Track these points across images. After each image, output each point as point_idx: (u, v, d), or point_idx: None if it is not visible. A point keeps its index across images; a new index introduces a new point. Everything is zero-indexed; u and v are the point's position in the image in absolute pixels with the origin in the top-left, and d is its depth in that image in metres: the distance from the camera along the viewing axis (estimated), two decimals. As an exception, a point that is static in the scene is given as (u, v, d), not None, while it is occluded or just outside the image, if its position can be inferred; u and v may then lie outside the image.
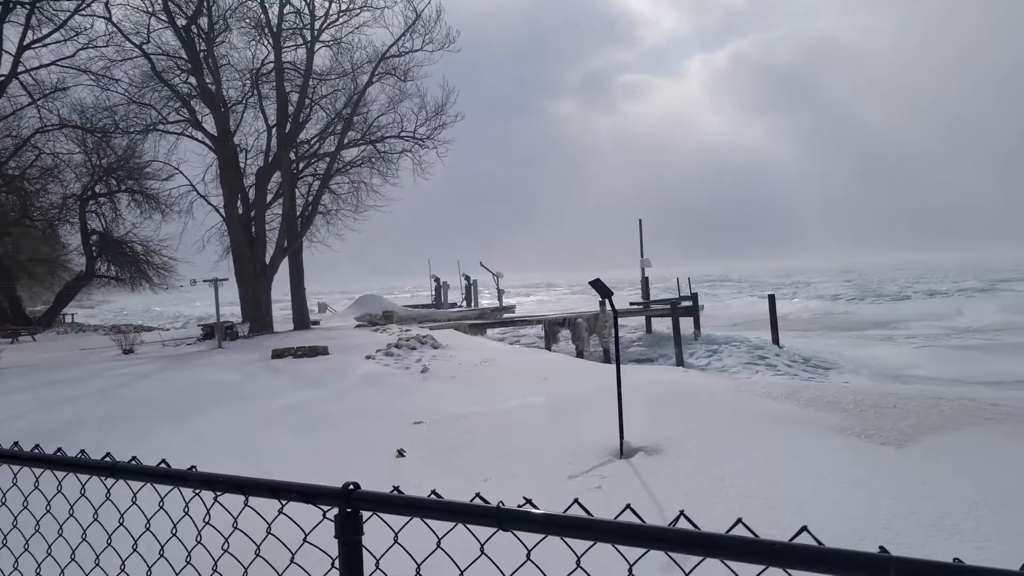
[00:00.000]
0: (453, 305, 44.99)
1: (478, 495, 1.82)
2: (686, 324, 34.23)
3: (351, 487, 1.79)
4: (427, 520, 1.74)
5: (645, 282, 38.75)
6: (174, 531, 2.41)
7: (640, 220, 39.03)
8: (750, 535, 1.47)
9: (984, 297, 62.60)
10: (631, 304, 36.83)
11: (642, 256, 37.84)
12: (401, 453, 9.01)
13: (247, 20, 29.49)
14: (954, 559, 1.35)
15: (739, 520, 1.58)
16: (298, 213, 29.79)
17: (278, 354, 19.14)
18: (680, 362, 29.70)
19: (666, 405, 10.44)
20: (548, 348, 30.66)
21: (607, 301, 8.85)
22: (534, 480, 7.49)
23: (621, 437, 8.25)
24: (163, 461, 2.30)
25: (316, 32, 28.89)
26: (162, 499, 2.46)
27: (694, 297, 36.06)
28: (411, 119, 29.78)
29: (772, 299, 34.48)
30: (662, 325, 37.10)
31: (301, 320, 29.51)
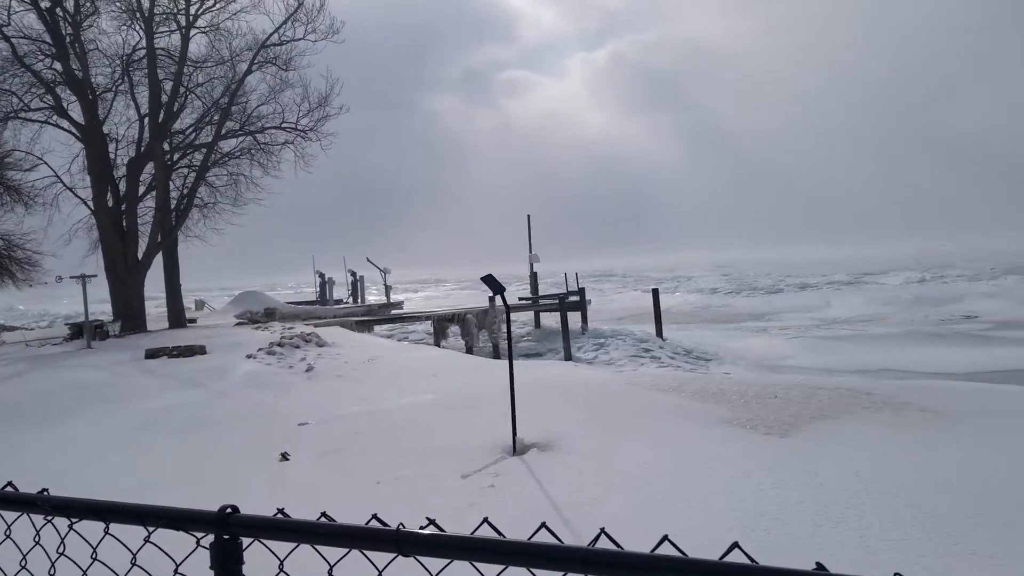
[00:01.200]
0: (339, 302, 44.03)
1: (375, 516, 1.63)
2: (574, 318, 34.64)
3: (228, 510, 1.57)
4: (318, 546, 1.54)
5: (534, 277, 39.01)
6: (23, 563, 2.12)
7: (528, 216, 39.27)
8: (678, 554, 1.35)
9: (851, 290, 66.12)
10: (520, 299, 37.01)
11: (531, 251, 38.05)
12: (285, 456, 8.65)
13: (117, 3, 27.90)
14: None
15: (664, 537, 1.46)
16: (173, 206, 28.45)
17: (152, 354, 18.18)
18: (569, 356, 30.01)
19: (557, 400, 10.44)
20: (437, 344, 30.43)
21: (499, 297, 8.74)
22: (426, 480, 7.30)
23: (514, 434, 8.17)
24: (9, 484, 2.01)
25: (192, 17, 27.61)
26: (9, 527, 2.17)
27: (581, 292, 36.55)
28: (293, 110, 28.89)
29: (656, 293, 35.32)
30: (551, 320, 37.45)
31: (177, 318, 28.22)
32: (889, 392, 9.55)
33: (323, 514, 1.58)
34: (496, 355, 29.40)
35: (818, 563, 1.28)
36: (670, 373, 15.82)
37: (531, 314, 38.70)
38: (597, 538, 1.48)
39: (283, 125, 29.00)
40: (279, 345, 18.47)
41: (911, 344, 30.39)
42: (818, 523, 5.55)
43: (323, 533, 1.51)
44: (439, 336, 32.07)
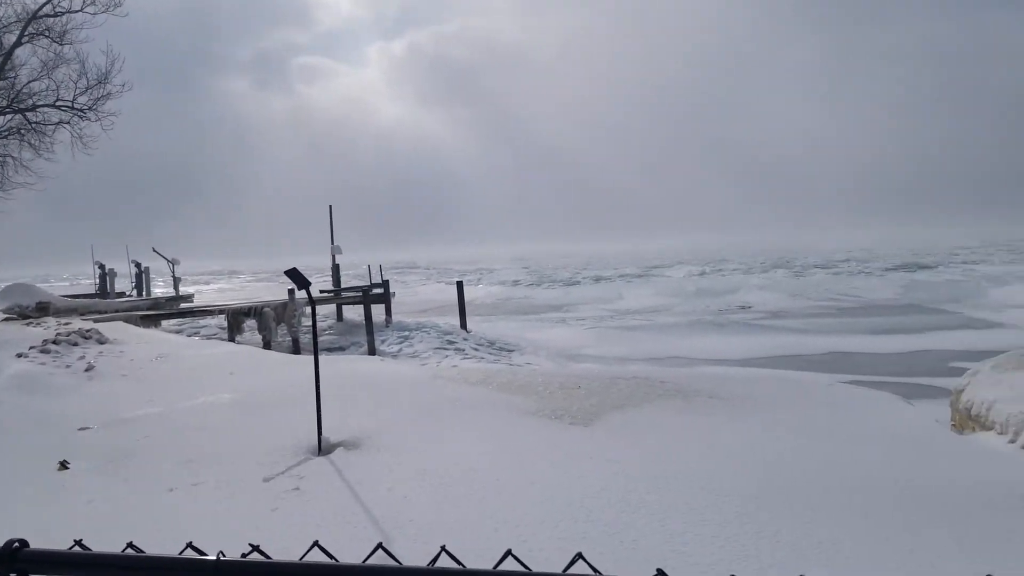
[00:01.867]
0: (121, 295, 40.89)
1: (190, 545, 1.45)
2: (378, 311, 34.25)
3: (16, 544, 1.34)
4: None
5: (336, 269, 38.17)
6: None
7: (330, 206, 38.35)
8: (521, 568, 1.30)
9: (640, 282, 69.98)
10: (321, 292, 36.07)
11: (332, 243, 37.19)
12: (64, 465, 7.87)
13: None
14: None
15: (508, 552, 1.40)
16: (-77, 189, 25.26)
17: (-103, 356, 16.03)
18: (373, 350, 29.63)
19: (363, 396, 10.23)
20: (232, 340, 29.01)
21: (304, 289, 8.41)
22: (225, 486, 6.89)
23: (319, 433, 7.90)
24: None
25: (-55, -22, 24.56)
26: None
27: (385, 284, 36.18)
28: (69, 87, 26.44)
29: (460, 285, 35.62)
30: (353, 313, 36.81)
31: (-70, 314, 25.12)
32: (680, 380, 10.14)
33: (130, 544, 1.39)
34: (296, 350, 28.48)
35: (659, 569, 1.27)
36: (476, 366, 16.00)
37: (333, 307, 37.86)
38: (437, 557, 1.40)
39: (58, 103, 26.48)
40: (54, 343, 16.85)
41: (695, 333, 32.60)
42: (620, 508, 5.76)
43: (133, 567, 1.32)
44: (234, 331, 30.61)
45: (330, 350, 29.48)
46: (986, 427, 8.20)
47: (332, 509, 6.07)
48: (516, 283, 76.94)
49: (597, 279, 76.12)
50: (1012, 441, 7.53)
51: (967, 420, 8.79)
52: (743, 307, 43.26)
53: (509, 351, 28.64)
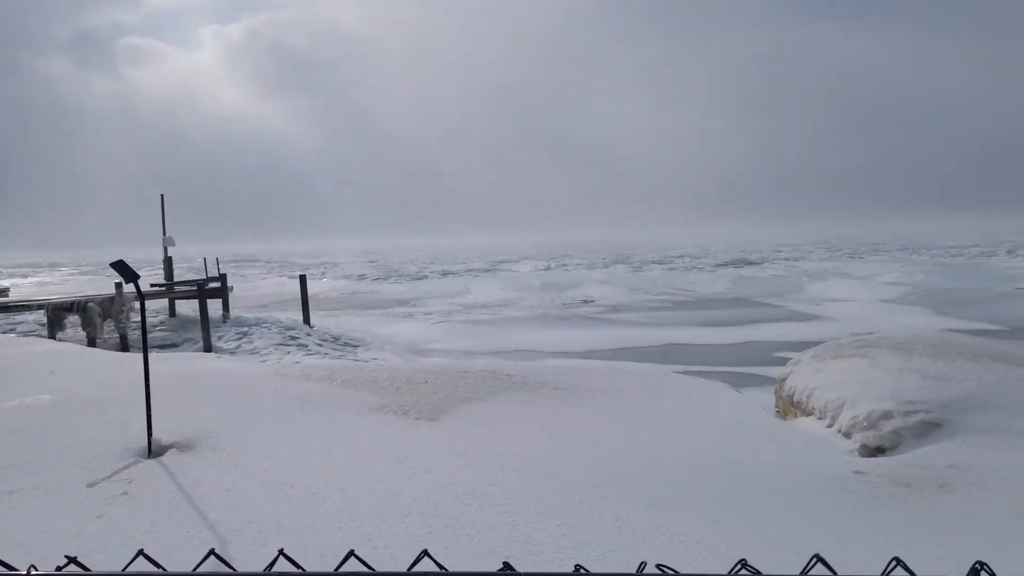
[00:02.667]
0: (-76, 289, 37.20)
1: (1, 562, 1.30)
2: (214, 306, 32.78)
3: None
4: None
5: (168, 262, 36.22)
6: None
7: (162, 196, 36.35)
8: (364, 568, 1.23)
9: (488, 276, 70.63)
10: (152, 286, 34.13)
11: (164, 234, 35.27)
12: None
13: None
14: (576, 566, 1.27)
15: (351, 552, 1.33)
16: None
17: None
18: (208, 347, 28.34)
19: (199, 395, 9.74)
20: (52, 337, 26.98)
21: (132, 283, 7.89)
22: (45, 493, 6.36)
23: (149, 434, 7.44)
24: None
25: None
26: None
27: (223, 278, 34.67)
28: None
29: (303, 279, 34.66)
30: (187, 308, 35.08)
31: None
32: (527, 373, 10.28)
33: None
34: (124, 347, 26.86)
35: (505, 563, 1.24)
36: (319, 362, 15.59)
37: (165, 302, 35.94)
38: (206, 557, 1.31)
39: None
40: None
41: (540, 326, 33.21)
42: (467, 501, 5.76)
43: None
44: (55, 327, 28.47)
45: (162, 347, 28.00)
46: (807, 413, 8.80)
47: (164, 513, 5.73)
48: (362, 277, 75.77)
49: (444, 273, 76.16)
50: (829, 426, 8.11)
51: (790, 406, 9.39)
52: (586, 301, 44.50)
53: (355, 346, 28.17)
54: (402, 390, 9.48)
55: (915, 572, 1.22)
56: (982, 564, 1.18)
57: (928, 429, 7.22)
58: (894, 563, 1.26)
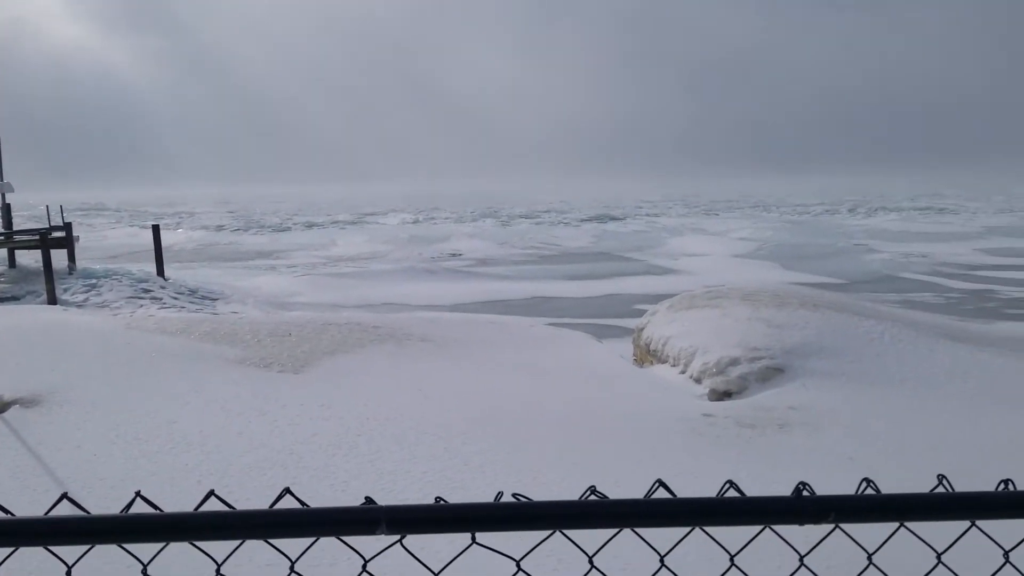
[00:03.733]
0: None
1: None
2: (59, 257, 30.79)
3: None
4: None
5: (7, 209, 33.65)
6: None
7: (-3, 137, 33.60)
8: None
9: (354, 229, 69.38)
10: (-12, 235, 31.68)
11: (1, 179, 32.70)
12: None
13: None
14: (436, 498, 1.32)
15: (211, 492, 1.34)
16: None
17: None
18: (53, 299, 26.65)
19: (44, 349, 9.19)
20: None
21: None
22: None
23: (-12, 391, 7.00)
24: None
25: None
26: None
27: (67, 227, 32.54)
28: None
29: (156, 229, 32.99)
30: (29, 259, 32.80)
31: None
32: (394, 325, 10.26)
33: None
34: (-43, 301, 24.92)
35: (367, 497, 1.28)
36: (175, 315, 15.01)
37: (4, 252, 33.46)
38: (132, 503, 1.30)
39: None
40: None
41: (408, 280, 33.03)
42: (331, 452, 5.76)
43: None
44: None
45: (1, 300, 26.14)
46: (662, 360, 9.22)
47: (8, 472, 5.44)
48: (220, 228, 72.69)
49: (309, 225, 74.15)
50: (683, 372, 8.54)
51: (647, 355, 9.81)
52: (454, 255, 44.51)
53: (213, 299, 27.15)
54: (264, 343, 9.28)
55: (746, 493, 1.33)
56: (804, 484, 1.31)
57: (771, 374, 7.73)
58: (727, 485, 1.37)
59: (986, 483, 1.42)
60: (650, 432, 6.61)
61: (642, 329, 10.36)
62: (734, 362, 7.97)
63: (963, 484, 1.37)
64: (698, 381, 8.12)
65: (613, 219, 73.93)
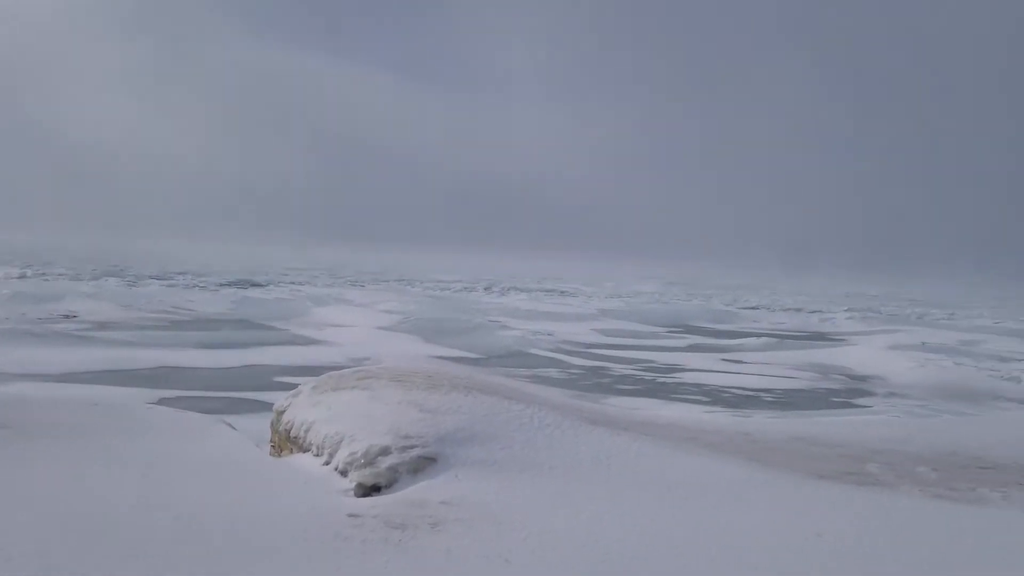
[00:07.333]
0: None
1: None
2: None
3: None
4: None
5: None
6: None
7: None
8: None
9: (-63, 281, 58.62)
10: None
11: None
12: None
13: None
14: None
15: None
16: None
17: None
18: None
19: None
20: None
21: None
22: None
23: None
24: None
25: None
26: None
27: None
28: None
29: None
30: None
31: None
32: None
33: None
34: None
35: None
36: None
37: None
38: None
39: None
40: None
41: (7, 343, 28.22)
42: None
43: None
44: None
45: None
46: (304, 449, 8.29)
47: None
48: None
49: None
50: (327, 463, 7.68)
51: (287, 442, 8.81)
52: (68, 316, 39.31)
53: None
54: None
55: None
56: None
57: (424, 464, 7.18)
58: None
59: None
60: (285, 541, 5.68)
61: (282, 412, 9.34)
62: (384, 451, 7.31)
63: None
64: (344, 474, 7.31)
65: (255, 285, 71.05)
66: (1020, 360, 38.48)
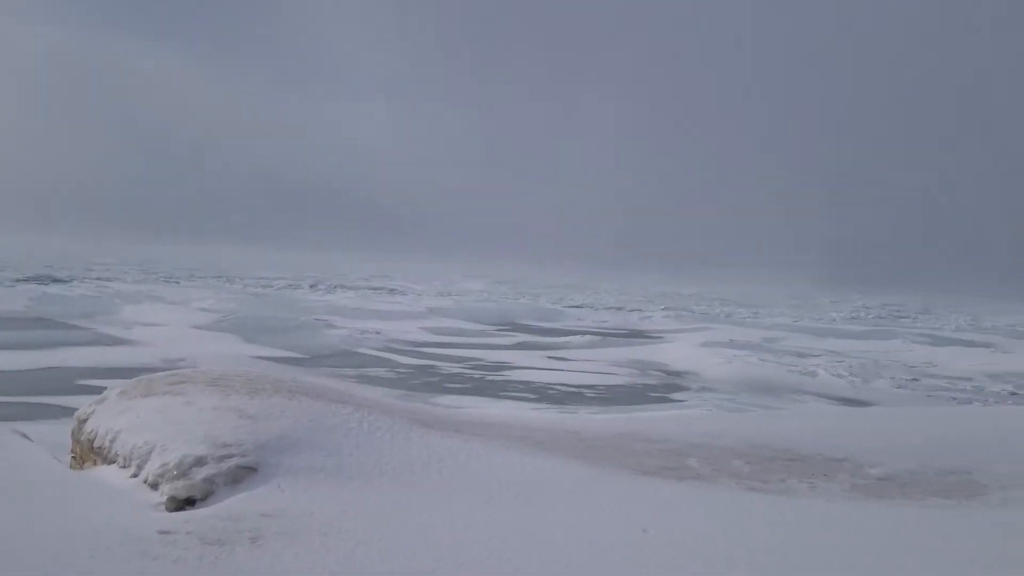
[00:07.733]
0: None
1: None
2: None
3: None
4: None
5: None
6: None
7: None
8: None
9: None
10: None
11: None
12: None
13: None
14: None
15: None
16: None
17: None
18: None
19: None
20: None
21: None
22: None
23: None
24: None
25: None
26: None
27: None
28: None
29: None
30: None
31: None
32: None
33: None
34: None
35: None
36: None
37: None
38: None
39: None
40: None
41: None
42: None
43: None
44: None
45: None
46: (109, 461, 7.60)
47: None
48: None
49: None
50: (135, 476, 7.08)
51: (89, 453, 8.07)
52: None
53: None
54: None
55: None
56: None
57: (243, 474, 6.75)
58: None
59: None
60: (86, 562, 5.15)
61: (85, 420, 8.55)
62: (199, 461, 6.82)
63: None
64: (154, 487, 6.75)
65: (57, 280, 65.69)
66: (816, 355, 41.96)
